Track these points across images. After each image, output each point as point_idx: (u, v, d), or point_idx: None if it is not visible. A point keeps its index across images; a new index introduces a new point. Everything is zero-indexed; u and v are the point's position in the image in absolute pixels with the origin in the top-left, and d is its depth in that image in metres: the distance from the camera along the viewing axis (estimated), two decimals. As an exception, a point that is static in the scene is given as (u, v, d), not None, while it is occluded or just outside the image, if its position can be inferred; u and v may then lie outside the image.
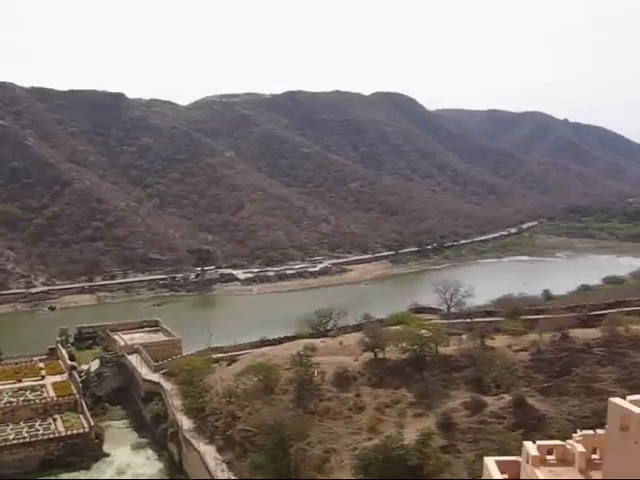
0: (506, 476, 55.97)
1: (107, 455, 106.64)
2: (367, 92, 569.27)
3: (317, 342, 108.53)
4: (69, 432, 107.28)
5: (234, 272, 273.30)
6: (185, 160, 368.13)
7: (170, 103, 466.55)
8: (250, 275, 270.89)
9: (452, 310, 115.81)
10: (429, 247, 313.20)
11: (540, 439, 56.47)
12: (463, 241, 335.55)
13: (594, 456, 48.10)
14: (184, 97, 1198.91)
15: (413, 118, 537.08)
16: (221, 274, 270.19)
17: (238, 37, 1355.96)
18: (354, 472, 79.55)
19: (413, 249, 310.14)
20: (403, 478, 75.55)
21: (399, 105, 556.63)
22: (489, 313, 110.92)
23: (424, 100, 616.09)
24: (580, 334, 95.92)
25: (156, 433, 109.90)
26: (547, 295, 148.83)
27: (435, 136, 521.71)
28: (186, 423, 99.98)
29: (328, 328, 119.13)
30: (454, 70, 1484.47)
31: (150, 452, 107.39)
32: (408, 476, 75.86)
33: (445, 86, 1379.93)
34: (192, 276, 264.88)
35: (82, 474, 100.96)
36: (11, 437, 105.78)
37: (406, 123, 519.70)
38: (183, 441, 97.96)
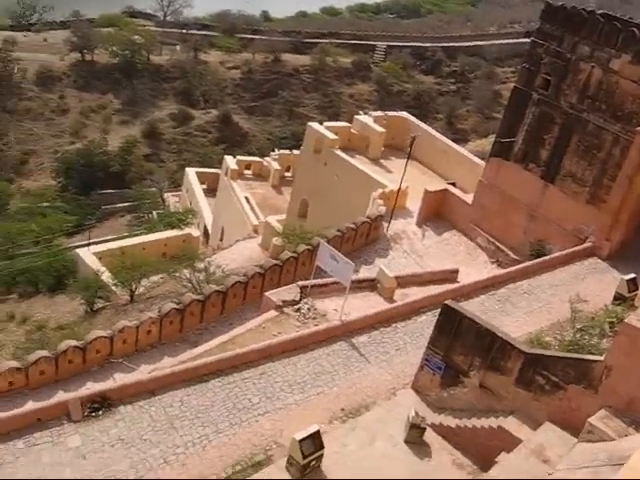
0: (205, 186, 59.26)
1: None
2: None
3: (19, 36, 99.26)
4: None
5: None
6: None
7: None
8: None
9: (168, 19, 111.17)
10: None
11: (240, 155, 59.64)
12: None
13: (287, 174, 52.30)
14: None
15: None
16: None
17: None
18: (54, 175, 78.38)
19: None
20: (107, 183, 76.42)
21: None
22: (206, 26, 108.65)
23: None
24: (292, 59, 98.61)
25: None
26: (266, 16, 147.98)
27: None
28: None
29: (32, 22, 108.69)
30: None
31: None
32: (111, 181, 76.68)
33: None
34: None
35: None
36: None
37: None
38: None
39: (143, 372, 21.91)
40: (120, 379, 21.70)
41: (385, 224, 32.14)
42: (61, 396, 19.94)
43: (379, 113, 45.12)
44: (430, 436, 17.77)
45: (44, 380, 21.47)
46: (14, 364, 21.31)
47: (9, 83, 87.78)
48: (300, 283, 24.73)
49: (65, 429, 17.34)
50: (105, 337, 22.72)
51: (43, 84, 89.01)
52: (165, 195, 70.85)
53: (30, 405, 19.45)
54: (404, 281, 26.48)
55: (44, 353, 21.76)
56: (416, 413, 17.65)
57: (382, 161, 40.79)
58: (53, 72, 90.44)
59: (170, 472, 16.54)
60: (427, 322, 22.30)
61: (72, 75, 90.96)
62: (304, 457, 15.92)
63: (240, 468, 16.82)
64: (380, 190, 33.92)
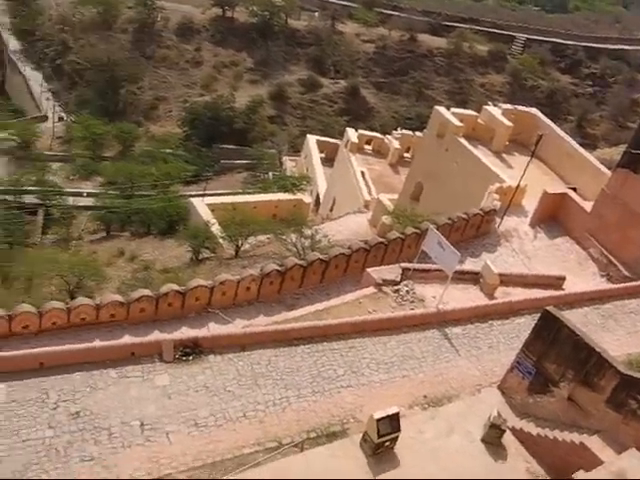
0: (323, 155, 59.67)
1: None
2: None
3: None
4: None
5: None
6: None
7: None
8: None
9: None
10: None
11: (363, 129, 59.58)
12: None
13: (406, 154, 51.94)
14: None
15: None
16: None
17: None
18: (180, 123, 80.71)
19: None
20: (229, 138, 77.97)
21: None
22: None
23: None
24: (427, 40, 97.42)
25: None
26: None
27: None
28: (13, 44, 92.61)
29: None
30: None
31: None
32: (234, 137, 78.25)
33: None
34: None
35: None
36: None
37: None
38: (8, 62, 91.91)
39: (237, 326, 22.43)
40: (214, 329, 22.32)
41: (498, 219, 31.48)
42: (156, 335, 20.77)
43: (509, 106, 43.94)
44: (508, 439, 17.46)
45: (143, 318, 22.36)
46: (118, 298, 22.29)
47: (151, 30, 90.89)
48: (403, 265, 24.61)
49: (156, 367, 18.03)
50: (206, 287, 23.35)
51: (182, 35, 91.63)
52: (283, 158, 71.83)
53: (127, 339, 20.35)
54: (508, 280, 25.91)
55: (147, 292, 22.64)
56: (498, 414, 17.38)
57: (504, 155, 39.81)
58: (193, 24, 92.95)
59: (248, 426, 16.97)
60: (524, 324, 21.80)
61: (210, 29, 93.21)
62: (379, 436, 15.97)
63: (315, 435, 17.04)
64: (498, 184, 33.18)
